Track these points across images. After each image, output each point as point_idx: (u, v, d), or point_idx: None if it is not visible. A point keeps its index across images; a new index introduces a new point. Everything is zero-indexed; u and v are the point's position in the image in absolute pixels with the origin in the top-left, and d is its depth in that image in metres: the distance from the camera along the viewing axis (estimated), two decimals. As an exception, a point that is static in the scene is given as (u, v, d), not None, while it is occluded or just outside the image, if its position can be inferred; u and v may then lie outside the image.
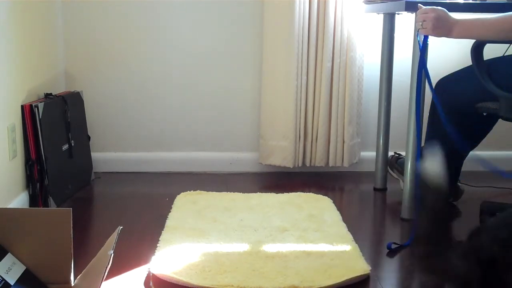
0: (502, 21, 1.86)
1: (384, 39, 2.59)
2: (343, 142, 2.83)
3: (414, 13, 2.15)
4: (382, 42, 2.60)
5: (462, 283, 1.21)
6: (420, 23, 1.94)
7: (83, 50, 2.83)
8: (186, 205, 2.32)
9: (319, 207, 2.31)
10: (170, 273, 1.67)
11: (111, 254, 1.31)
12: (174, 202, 2.36)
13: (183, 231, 2.01)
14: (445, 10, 1.94)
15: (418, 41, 1.99)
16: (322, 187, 2.68)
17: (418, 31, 1.99)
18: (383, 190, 2.65)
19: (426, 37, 1.97)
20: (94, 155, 2.82)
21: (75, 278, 1.44)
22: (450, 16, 1.93)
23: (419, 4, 2.01)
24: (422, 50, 1.98)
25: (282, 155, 2.81)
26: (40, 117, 2.25)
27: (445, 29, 1.92)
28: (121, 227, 1.40)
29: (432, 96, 2.04)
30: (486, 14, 1.98)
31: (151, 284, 1.66)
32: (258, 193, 2.50)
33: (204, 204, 2.33)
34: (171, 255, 1.80)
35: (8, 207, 2.03)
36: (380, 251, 1.98)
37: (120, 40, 2.83)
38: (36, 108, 2.24)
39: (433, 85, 2.32)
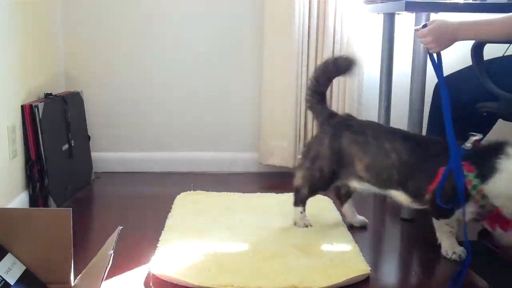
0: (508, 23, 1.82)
1: (384, 39, 2.59)
2: (343, 142, 2.82)
3: (414, 13, 2.15)
4: (382, 42, 2.60)
5: None
6: (425, 47, 1.85)
7: (83, 50, 2.83)
8: (186, 205, 2.32)
9: (319, 207, 2.30)
10: (170, 273, 1.67)
11: (111, 254, 1.31)
12: (174, 202, 2.36)
13: (183, 231, 2.01)
14: (442, 20, 1.84)
15: (432, 59, 1.85)
16: (322, 187, 2.67)
17: (428, 51, 1.86)
18: (383, 190, 2.65)
19: (438, 54, 1.85)
20: (94, 155, 2.83)
21: (75, 278, 1.44)
22: (449, 24, 1.84)
23: (415, 28, 1.93)
24: (437, 67, 1.85)
25: (282, 155, 2.81)
26: (40, 117, 2.25)
27: (449, 39, 1.83)
28: (121, 227, 1.40)
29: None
30: (486, 15, 1.97)
31: (151, 284, 1.66)
32: (258, 193, 2.50)
33: (204, 204, 2.33)
34: (171, 255, 1.80)
35: (8, 207, 2.03)
36: (380, 251, 1.97)
37: (120, 40, 2.83)
38: (36, 108, 2.24)
39: (434, 87, 2.33)
